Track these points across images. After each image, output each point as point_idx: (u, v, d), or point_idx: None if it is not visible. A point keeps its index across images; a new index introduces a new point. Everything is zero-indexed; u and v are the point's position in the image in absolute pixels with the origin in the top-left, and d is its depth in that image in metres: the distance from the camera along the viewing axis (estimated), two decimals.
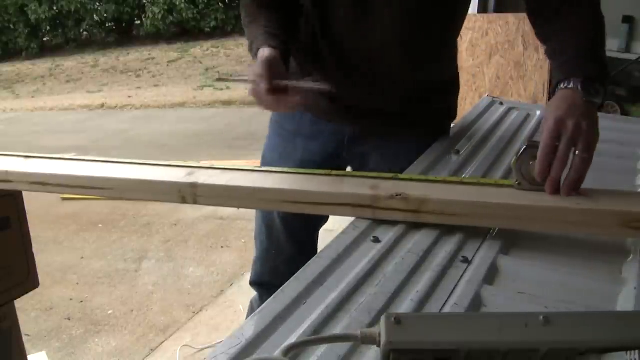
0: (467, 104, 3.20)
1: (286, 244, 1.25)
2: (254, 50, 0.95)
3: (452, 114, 1.24)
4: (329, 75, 1.08)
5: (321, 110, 1.14)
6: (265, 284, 1.31)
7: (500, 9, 3.22)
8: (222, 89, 7.76)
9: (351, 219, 0.84)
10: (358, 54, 1.05)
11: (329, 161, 1.15)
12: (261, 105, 0.90)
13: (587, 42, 0.91)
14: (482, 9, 3.47)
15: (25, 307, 2.45)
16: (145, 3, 12.36)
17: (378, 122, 1.14)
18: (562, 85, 0.85)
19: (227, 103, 6.99)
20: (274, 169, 0.93)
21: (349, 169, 1.22)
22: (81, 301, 2.61)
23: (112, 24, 13.24)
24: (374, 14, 1.00)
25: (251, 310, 1.41)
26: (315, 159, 1.16)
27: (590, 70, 0.85)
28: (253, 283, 1.35)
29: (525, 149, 0.79)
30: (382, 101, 1.11)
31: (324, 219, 1.24)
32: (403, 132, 1.15)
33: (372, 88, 1.10)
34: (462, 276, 0.71)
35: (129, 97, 7.91)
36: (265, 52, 0.90)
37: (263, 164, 1.24)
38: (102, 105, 7.58)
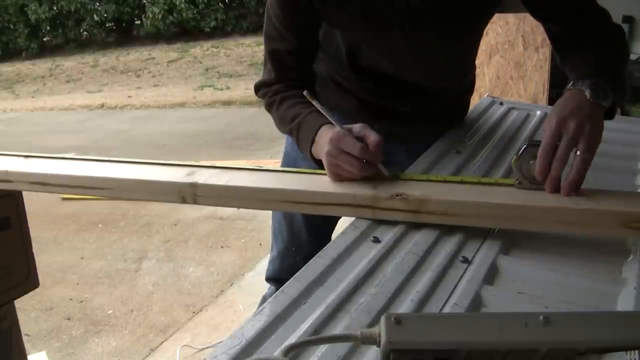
0: None
1: (307, 240, 1.26)
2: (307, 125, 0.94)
3: (467, 109, 1.31)
4: (357, 85, 1.13)
5: (348, 110, 1.15)
6: (284, 280, 1.31)
7: (500, 9, 3.22)
8: (222, 89, 7.76)
9: (351, 219, 0.84)
10: (388, 77, 1.10)
11: None
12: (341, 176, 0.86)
13: (606, 66, 0.91)
14: None
15: (25, 307, 2.45)
16: (145, 3, 12.35)
17: (403, 121, 1.16)
18: (570, 86, 0.85)
19: (227, 103, 6.99)
20: (273, 168, 0.93)
21: None
22: (81, 301, 2.61)
23: (112, 24, 13.24)
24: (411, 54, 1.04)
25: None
26: None
27: (601, 78, 0.85)
28: (270, 279, 1.36)
29: (525, 147, 0.80)
30: (408, 106, 1.15)
31: (338, 217, 1.25)
32: (425, 129, 1.18)
33: (399, 97, 1.13)
34: (462, 276, 0.71)
35: (129, 97, 7.91)
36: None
37: (286, 162, 1.25)
38: (102, 105, 7.58)
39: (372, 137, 0.83)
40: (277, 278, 1.33)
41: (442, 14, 0.97)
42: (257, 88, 1.09)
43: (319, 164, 0.91)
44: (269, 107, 1.06)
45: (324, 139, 0.87)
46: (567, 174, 0.77)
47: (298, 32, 1.01)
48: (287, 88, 1.04)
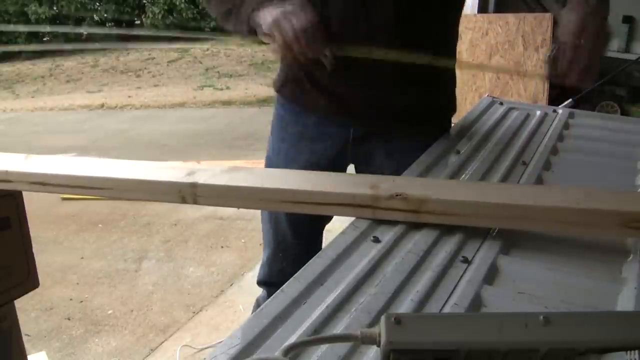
0: (467, 104, 3.20)
1: (292, 243, 1.25)
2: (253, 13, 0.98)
3: (452, 106, 1.25)
4: (332, 77, 1.09)
5: (325, 110, 1.14)
6: (274, 283, 1.32)
7: (500, 9, 3.23)
8: (222, 89, 7.76)
9: (351, 219, 0.84)
10: (362, 60, 1.06)
11: (334, 162, 1.16)
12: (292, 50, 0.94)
13: None
14: (482, 9, 3.47)
15: (25, 307, 2.45)
16: (145, 3, 12.35)
17: (381, 120, 1.14)
18: None
19: (227, 103, 6.98)
20: (272, 168, 0.93)
21: (352, 169, 1.22)
22: (81, 301, 2.61)
23: (112, 24, 13.23)
24: (372, 8, 1.02)
25: (257, 307, 1.42)
26: (321, 161, 1.16)
27: None
28: (261, 283, 1.36)
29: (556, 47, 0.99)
30: (383, 94, 1.11)
31: (328, 217, 1.25)
32: (407, 129, 1.15)
33: (372, 80, 1.10)
34: (462, 276, 0.71)
35: (129, 97, 7.90)
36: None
37: (268, 167, 1.25)
38: (102, 105, 7.57)
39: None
40: (267, 282, 1.34)
41: None
42: None
43: (250, 36, 0.99)
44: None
45: (273, 10, 0.94)
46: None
47: None
48: None
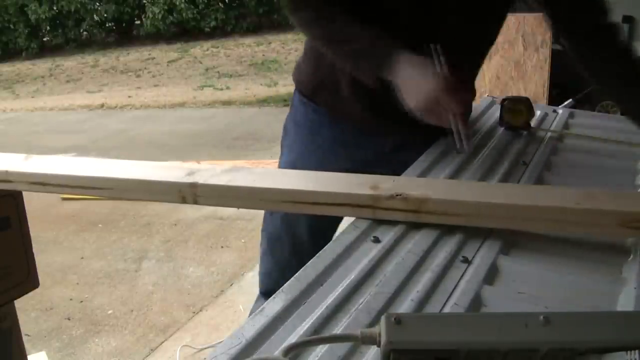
0: None
1: (309, 249, 1.20)
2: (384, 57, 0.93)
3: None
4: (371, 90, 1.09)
5: (363, 119, 1.13)
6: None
7: None
8: (222, 89, 7.76)
9: (351, 219, 0.84)
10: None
11: (370, 169, 1.14)
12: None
13: None
14: None
15: (25, 307, 2.45)
16: (145, 3, 12.35)
17: (418, 129, 1.14)
18: None
19: (227, 103, 6.98)
20: (273, 168, 0.93)
21: None
22: (81, 301, 2.61)
23: (112, 24, 13.24)
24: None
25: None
26: (358, 167, 1.14)
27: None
28: (267, 293, 1.28)
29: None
30: None
31: (341, 218, 1.22)
32: (437, 133, 1.15)
33: None
34: (462, 276, 0.71)
35: (129, 97, 7.91)
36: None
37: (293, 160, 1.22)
38: (102, 105, 7.57)
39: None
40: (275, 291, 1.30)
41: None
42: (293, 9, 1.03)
43: (382, 85, 0.93)
44: (312, 21, 1.00)
45: (415, 82, 0.88)
46: None
47: None
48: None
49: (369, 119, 1.13)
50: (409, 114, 0.95)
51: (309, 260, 1.21)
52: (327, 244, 1.20)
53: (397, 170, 1.17)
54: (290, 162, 1.23)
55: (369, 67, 0.95)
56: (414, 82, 0.89)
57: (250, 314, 1.40)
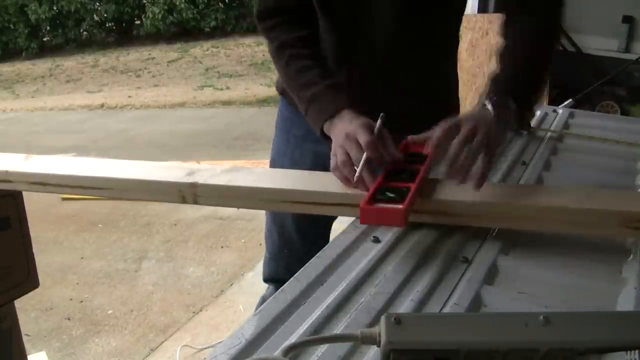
0: (467, 103, 3.20)
1: (298, 242, 1.25)
2: (317, 107, 0.95)
3: (458, 110, 1.29)
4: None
5: None
6: (282, 279, 1.31)
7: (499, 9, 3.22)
8: (222, 89, 7.76)
9: (351, 219, 0.84)
10: (365, 55, 1.08)
11: None
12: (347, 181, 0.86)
13: (522, 62, 0.97)
14: (482, 9, 3.46)
15: (25, 307, 2.45)
16: (145, 3, 12.35)
17: (391, 125, 1.15)
18: (484, 101, 0.89)
19: (227, 103, 6.99)
20: (272, 168, 0.93)
21: None
22: (81, 301, 2.61)
23: (112, 24, 13.24)
24: (376, 15, 1.03)
25: (261, 304, 1.41)
26: (326, 163, 1.16)
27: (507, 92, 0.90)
28: (268, 280, 1.35)
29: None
30: (393, 104, 1.12)
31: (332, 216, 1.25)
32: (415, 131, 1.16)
33: (382, 91, 1.11)
34: (462, 276, 0.71)
35: (129, 97, 7.91)
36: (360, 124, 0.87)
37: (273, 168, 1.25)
38: (102, 105, 7.58)
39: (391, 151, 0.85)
40: (274, 278, 1.33)
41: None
42: (259, 18, 1.08)
43: (325, 140, 0.94)
44: (273, 55, 1.05)
45: (343, 127, 0.88)
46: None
47: None
48: (292, 35, 1.02)
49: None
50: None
51: (299, 251, 1.24)
52: (314, 235, 1.23)
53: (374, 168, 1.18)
54: (272, 159, 1.27)
55: (316, 117, 0.97)
56: (342, 125, 0.91)
57: (259, 302, 1.42)
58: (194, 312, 2.44)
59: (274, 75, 1.26)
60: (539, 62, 1.01)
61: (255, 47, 10.38)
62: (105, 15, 12.70)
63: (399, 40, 1.07)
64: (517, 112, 0.90)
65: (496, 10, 1.12)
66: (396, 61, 1.10)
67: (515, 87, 0.92)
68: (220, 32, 11.90)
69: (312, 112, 0.98)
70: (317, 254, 0.75)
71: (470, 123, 0.82)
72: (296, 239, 1.25)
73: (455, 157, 0.80)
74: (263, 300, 1.41)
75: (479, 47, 3.35)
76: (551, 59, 1.05)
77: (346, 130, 0.87)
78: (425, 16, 1.06)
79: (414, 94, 1.13)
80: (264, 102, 6.68)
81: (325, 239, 1.28)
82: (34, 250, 1.21)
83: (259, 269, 2.74)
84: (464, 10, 1.15)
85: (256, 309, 1.28)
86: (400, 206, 0.73)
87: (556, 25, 1.08)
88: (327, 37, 1.08)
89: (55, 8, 12.58)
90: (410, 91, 1.13)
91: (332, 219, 1.28)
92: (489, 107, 0.86)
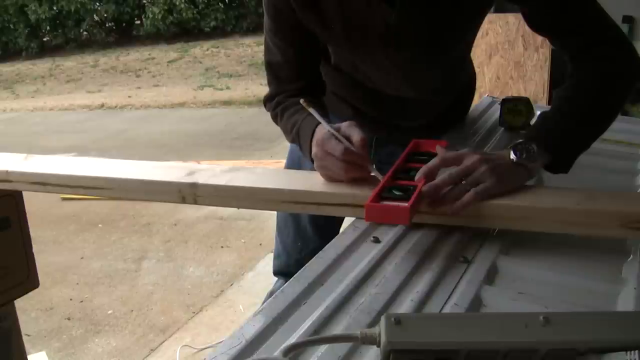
0: None
1: (313, 236, 1.26)
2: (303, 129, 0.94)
3: (467, 109, 1.33)
4: (351, 96, 1.15)
5: (345, 119, 1.15)
6: (292, 273, 1.32)
7: (500, 9, 3.22)
8: (222, 89, 7.76)
9: (351, 219, 0.85)
10: (386, 95, 1.11)
11: None
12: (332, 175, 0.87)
13: (576, 116, 0.88)
14: None
15: (25, 307, 2.45)
16: (145, 3, 12.36)
17: (399, 130, 1.18)
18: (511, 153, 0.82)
19: (227, 103, 6.99)
20: (273, 168, 0.93)
21: None
22: (81, 301, 2.61)
23: (112, 24, 13.24)
24: (396, 74, 1.05)
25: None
26: None
27: (536, 139, 0.84)
28: (278, 273, 1.36)
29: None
30: (403, 118, 1.17)
31: None
32: (423, 133, 1.17)
33: (393, 109, 1.14)
34: (462, 276, 0.71)
35: (129, 97, 7.91)
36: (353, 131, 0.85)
37: (290, 160, 1.28)
38: (102, 105, 7.58)
39: (356, 136, 0.83)
40: (285, 272, 1.34)
41: (423, 32, 0.96)
42: (265, 103, 1.09)
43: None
44: (274, 120, 1.07)
45: (318, 137, 0.88)
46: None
47: (292, 44, 1.00)
48: (287, 98, 1.03)
49: (350, 119, 1.15)
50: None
51: (313, 245, 1.24)
52: (328, 230, 1.24)
53: (384, 162, 1.19)
54: (289, 150, 1.29)
55: (302, 148, 0.96)
56: (318, 135, 0.89)
57: (266, 296, 1.43)
58: (194, 312, 2.44)
59: None
60: (597, 119, 0.91)
61: (255, 47, 10.38)
62: (105, 15, 12.70)
63: (409, 94, 1.10)
64: (549, 159, 0.84)
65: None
66: (405, 106, 1.13)
67: (553, 140, 0.85)
68: (220, 32, 11.90)
69: (302, 147, 0.97)
70: (317, 254, 0.75)
71: (471, 161, 0.79)
72: (310, 233, 1.26)
73: (436, 187, 0.77)
74: (271, 294, 1.41)
75: (479, 47, 3.35)
76: (617, 112, 0.94)
77: (317, 139, 0.87)
78: (436, 63, 1.07)
79: (427, 118, 1.17)
80: None
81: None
82: (34, 250, 1.21)
83: (259, 269, 2.74)
84: (476, 33, 1.10)
85: (263, 303, 1.27)
86: (406, 204, 0.73)
87: (630, 80, 0.94)
88: (331, 61, 1.11)
89: (55, 8, 12.58)
90: (423, 119, 1.18)
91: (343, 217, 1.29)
92: (511, 153, 0.81)
